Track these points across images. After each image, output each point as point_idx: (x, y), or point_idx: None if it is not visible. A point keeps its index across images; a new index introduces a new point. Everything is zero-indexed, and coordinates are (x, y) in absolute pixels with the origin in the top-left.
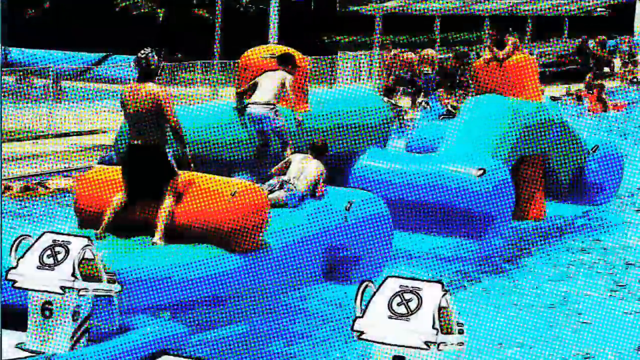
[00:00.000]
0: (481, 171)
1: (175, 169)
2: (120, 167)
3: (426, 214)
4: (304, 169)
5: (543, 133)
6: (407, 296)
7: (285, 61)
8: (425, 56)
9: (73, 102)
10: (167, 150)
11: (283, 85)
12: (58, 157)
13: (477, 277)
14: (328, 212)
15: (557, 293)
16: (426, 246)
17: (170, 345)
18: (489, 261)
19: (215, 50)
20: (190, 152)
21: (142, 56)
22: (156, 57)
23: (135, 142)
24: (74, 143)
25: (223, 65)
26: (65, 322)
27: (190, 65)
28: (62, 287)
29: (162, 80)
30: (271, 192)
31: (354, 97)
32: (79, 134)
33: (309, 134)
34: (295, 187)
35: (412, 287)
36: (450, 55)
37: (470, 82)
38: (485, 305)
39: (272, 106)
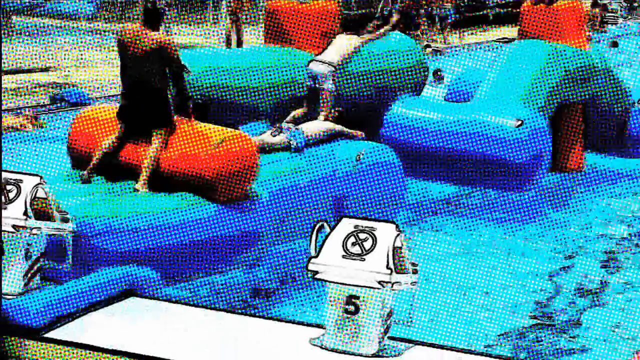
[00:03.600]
0: (519, 122)
1: (172, 117)
2: (118, 105)
3: (460, 164)
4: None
5: (584, 80)
6: (362, 236)
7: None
8: None
9: (23, 38)
10: (168, 96)
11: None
12: (7, 94)
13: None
14: (334, 159)
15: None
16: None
17: (138, 288)
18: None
19: None
20: (192, 99)
21: (151, 1)
22: (163, 3)
23: (137, 83)
24: (24, 80)
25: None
26: (17, 261)
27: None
28: (14, 226)
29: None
30: (274, 136)
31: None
32: (30, 71)
33: (340, 80)
34: (299, 129)
35: (367, 227)
36: None
37: (423, 23)
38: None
39: (332, 68)
